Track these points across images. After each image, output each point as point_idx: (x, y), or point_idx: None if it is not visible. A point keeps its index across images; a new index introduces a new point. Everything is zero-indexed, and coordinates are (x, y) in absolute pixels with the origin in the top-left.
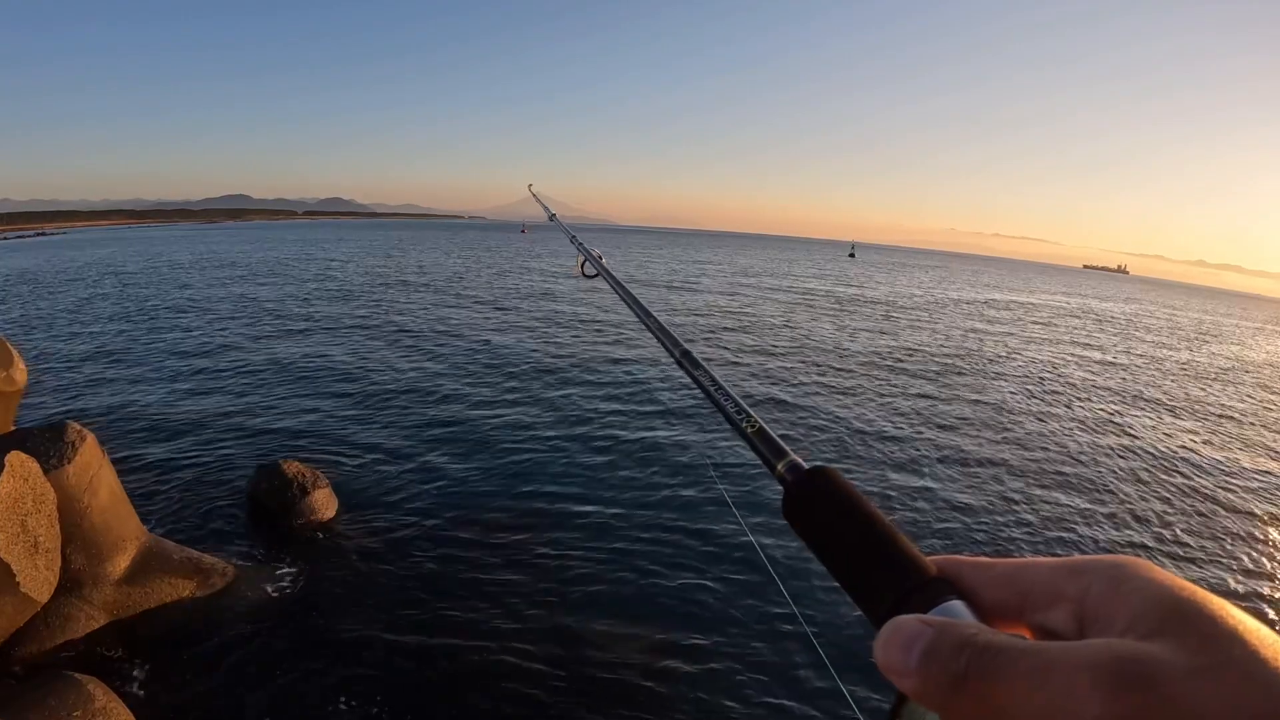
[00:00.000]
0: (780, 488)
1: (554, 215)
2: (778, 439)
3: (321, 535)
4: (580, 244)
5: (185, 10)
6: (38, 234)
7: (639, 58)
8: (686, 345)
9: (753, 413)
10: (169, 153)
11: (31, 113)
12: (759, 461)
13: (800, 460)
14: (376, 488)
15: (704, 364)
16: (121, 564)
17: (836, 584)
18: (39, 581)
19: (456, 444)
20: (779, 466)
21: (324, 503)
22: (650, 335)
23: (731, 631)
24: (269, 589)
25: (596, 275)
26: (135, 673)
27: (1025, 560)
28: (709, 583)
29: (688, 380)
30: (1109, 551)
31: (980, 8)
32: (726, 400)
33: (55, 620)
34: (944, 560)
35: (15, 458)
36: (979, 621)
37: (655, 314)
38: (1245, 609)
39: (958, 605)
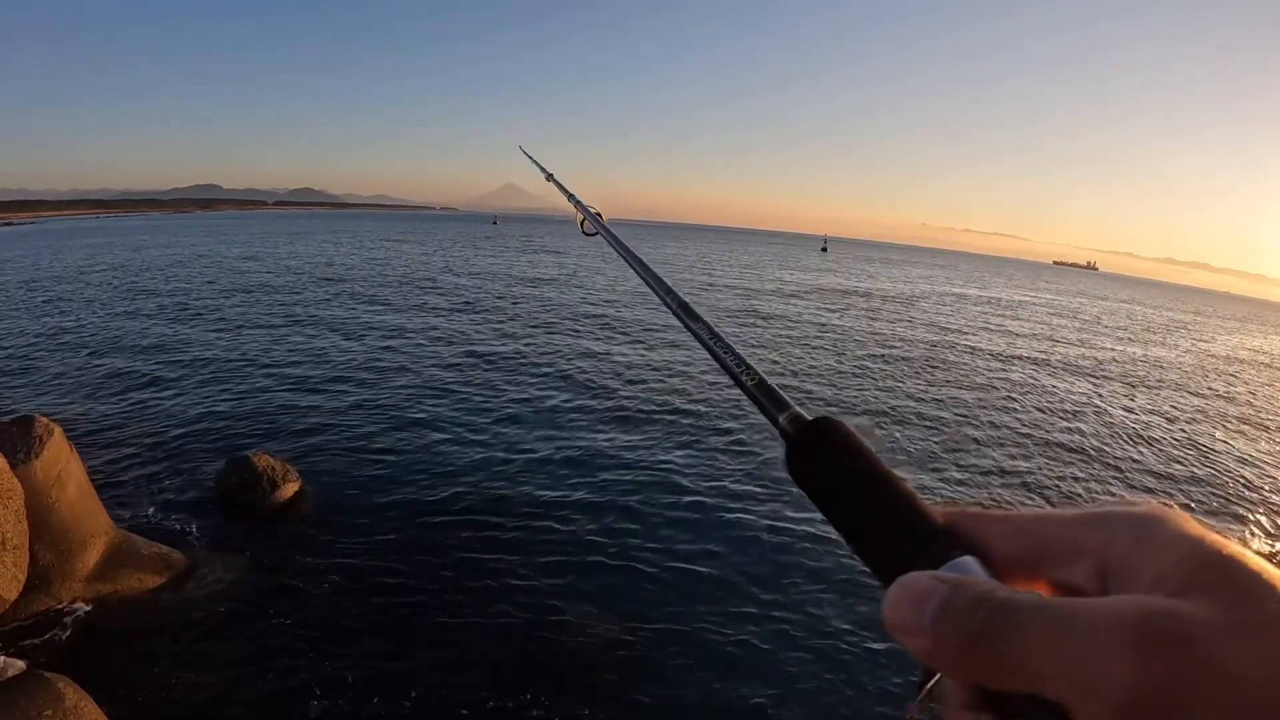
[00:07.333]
0: (782, 442)
1: (550, 175)
2: (779, 390)
3: (292, 528)
4: (578, 201)
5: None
6: (5, 224)
7: (606, 56)
8: (685, 297)
9: (752, 364)
10: (138, 141)
11: None
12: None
13: (803, 412)
14: (347, 480)
15: (702, 316)
16: (90, 559)
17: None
18: (7, 579)
19: (427, 436)
20: (780, 419)
21: (294, 496)
22: (649, 290)
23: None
24: (239, 583)
25: (595, 234)
26: (106, 669)
27: (1042, 511)
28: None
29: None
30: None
31: (954, 10)
32: (725, 352)
33: (24, 618)
34: (955, 513)
35: None
36: (993, 578)
37: (652, 267)
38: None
39: (970, 561)
